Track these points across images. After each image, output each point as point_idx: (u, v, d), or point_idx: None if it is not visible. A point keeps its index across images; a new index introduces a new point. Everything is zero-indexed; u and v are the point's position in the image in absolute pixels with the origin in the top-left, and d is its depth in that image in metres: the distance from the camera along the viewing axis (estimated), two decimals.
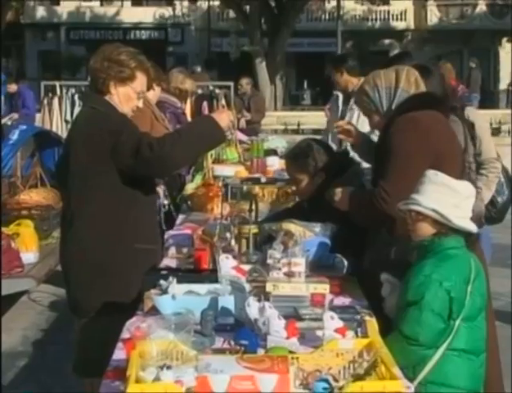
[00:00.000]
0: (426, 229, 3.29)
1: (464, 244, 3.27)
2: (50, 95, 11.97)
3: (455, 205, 3.22)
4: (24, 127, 8.51)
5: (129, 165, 3.77)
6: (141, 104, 4.07)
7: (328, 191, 3.94)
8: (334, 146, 8.32)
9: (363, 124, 7.94)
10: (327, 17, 40.87)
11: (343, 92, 7.94)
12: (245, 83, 13.86)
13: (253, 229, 4.10)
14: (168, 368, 2.39)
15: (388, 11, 42.30)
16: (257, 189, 5.16)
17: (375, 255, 3.72)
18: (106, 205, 3.84)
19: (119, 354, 2.81)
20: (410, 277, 3.23)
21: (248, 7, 30.88)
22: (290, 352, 2.67)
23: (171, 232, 4.77)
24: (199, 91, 11.85)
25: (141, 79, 3.99)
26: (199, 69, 19.51)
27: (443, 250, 3.22)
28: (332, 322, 2.88)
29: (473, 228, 3.26)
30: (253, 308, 2.98)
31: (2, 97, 16.47)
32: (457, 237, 3.25)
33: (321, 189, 4.11)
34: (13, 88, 17.22)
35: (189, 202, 5.73)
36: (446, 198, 3.23)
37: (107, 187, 3.83)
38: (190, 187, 5.94)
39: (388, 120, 3.74)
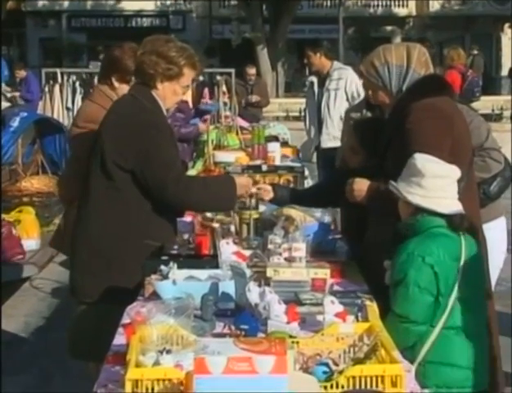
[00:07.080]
0: (403, 208, 3.30)
1: (444, 224, 3.21)
2: (51, 82, 11.93)
3: (417, 184, 3.20)
4: (25, 114, 8.50)
5: (146, 186, 3.77)
6: (185, 97, 4.12)
7: (347, 181, 3.75)
8: (313, 131, 8.44)
9: (341, 103, 8.08)
10: (329, 4, 40.72)
11: (318, 74, 8.28)
12: (253, 72, 13.81)
13: (254, 214, 4.10)
14: (168, 352, 2.41)
15: None
16: (258, 177, 5.15)
17: (378, 238, 3.66)
18: (122, 198, 3.81)
19: (119, 339, 2.81)
20: (395, 257, 3.23)
21: None
22: (291, 337, 2.67)
23: None
24: (201, 78, 11.82)
25: (188, 75, 3.95)
26: None
27: (427, 229, 3.20)
28: (332, 306, 2.89)
29: (442, 208, 3.19)
30: (253, 293, 2.99)
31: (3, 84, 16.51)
32: (438, 217, 3.21)
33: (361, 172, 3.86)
34: (22, 73, 17.25)
35: None
36: (409, 177, 3.24)
37: (127, 181, 3.79)
38: (190, 173, 5.93)
39: (401, 104, 3.64)
